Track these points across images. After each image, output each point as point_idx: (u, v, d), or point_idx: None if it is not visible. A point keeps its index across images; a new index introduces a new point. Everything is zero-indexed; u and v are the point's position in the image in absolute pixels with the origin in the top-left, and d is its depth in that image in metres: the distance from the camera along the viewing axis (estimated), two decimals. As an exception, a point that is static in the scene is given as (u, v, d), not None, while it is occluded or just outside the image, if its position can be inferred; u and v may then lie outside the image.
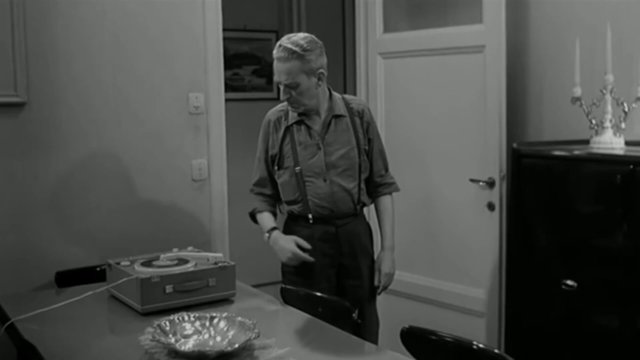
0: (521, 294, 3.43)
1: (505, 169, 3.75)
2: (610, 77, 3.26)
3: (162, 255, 2.88)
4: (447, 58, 4.02)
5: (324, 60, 3.07)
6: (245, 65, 5.73)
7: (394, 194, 3.33)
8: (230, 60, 5.36)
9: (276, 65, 3.03)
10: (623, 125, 3.26)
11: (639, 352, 2.89)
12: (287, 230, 3.21)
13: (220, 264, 2.83)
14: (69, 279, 3.23)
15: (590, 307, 3.09)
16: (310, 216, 3.12)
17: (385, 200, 3.30)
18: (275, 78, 3.06)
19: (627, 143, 3.25)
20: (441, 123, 4.05)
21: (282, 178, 3.17)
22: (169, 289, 2.67)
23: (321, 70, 3.05)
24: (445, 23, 4.15)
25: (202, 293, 2.75)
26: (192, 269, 2.77)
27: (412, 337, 2.36)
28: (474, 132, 3.89)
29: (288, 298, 2.92)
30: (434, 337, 2.31)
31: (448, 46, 4.00)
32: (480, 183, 3.86)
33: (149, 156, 3.61)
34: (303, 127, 3.13)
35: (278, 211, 3.30)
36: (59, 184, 3.37)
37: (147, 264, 2.80)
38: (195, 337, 2.31)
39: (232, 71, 5.57)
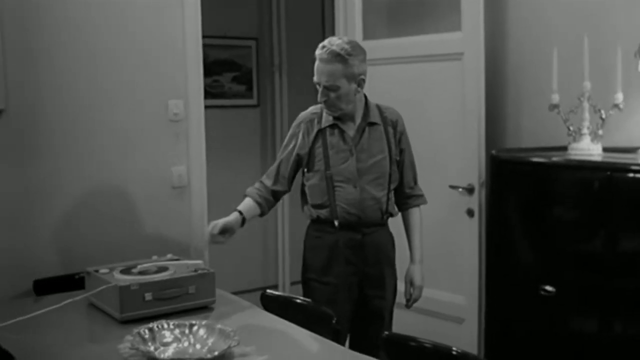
0: (500, 300, 3.45)
1: (484, 176, 3.77)
2: (587, 85, 3.29)
3: (141, 263, 2.86)
4: (426, 65, 4.04)
5: (365, 67, 3.05)
6: (226, 72, 5.71)
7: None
8: (210, 67, 5.34)
9: (318, 66, 3.02)
10: (600, 132, 3.28)
11: (617, 357, 2.92)
12: (310, 235, 3.18)
13: (199, 271, 2.81)
14: (47, 287, 3.19)
15: (568, 312, 3.11)
16: (336, 222, 3.07)
17: (415, 213, 3.26)
18: (315, 79, 3.04)
19: (605, 149, 3.28)
20: (420, 130, 4.05)
21: (311, 181, 3.12)
22: (148, 296, 2.65)
23: (362, 77, 3.03)
24: (424, 30, 4.17)
25: (182, 300, 2.73)
26: (171, 276, 2.76)
27: (392, 344, 2.37)
28: (453, 139, 3.91)
29: (268, 305, 2.92)
30: (413, 344, 2.32)
31: (427, 53, 4.02)
32: (460, 189, 3.88)
33: (128, 163, 3.58)
34: (337, 131, 3.10)
35: (264, 205, 3.15)
36: (38, 191, 3.33)
37: (126, 271, 2.79)
38: (174, 345, 2.30)
39: (212, 78, 5.55)
